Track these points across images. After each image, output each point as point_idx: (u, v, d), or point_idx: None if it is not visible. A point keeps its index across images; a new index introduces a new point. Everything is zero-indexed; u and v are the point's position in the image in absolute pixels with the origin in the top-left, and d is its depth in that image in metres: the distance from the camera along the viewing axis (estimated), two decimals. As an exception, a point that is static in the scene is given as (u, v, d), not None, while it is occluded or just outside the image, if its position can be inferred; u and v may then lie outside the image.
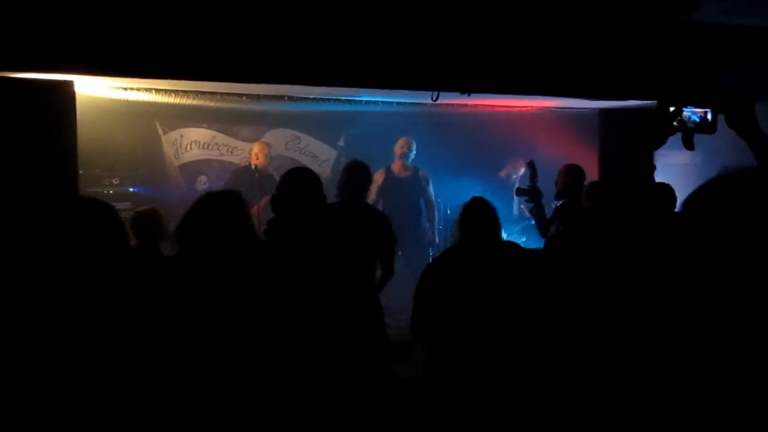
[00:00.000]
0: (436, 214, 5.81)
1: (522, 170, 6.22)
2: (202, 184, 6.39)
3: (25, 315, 1.82)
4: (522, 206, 5.97)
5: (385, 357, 2.29)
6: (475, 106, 5.82)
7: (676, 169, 4.87)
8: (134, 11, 3.71)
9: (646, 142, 1.60)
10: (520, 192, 4.70)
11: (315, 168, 5.57)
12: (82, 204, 2.10)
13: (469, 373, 2.65)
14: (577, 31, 4.40)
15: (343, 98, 5.61)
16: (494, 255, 2.88)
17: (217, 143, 6.52)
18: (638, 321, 1.45)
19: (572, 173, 4.11)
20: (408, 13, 4.09)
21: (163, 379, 1.91)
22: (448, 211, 6.41)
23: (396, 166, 5.64)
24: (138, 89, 4.89)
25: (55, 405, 1.77)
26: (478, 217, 2.93)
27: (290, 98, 5.52)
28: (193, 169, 6.46)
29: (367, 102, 5.71)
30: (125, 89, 4.84)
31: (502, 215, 3.06)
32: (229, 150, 6.43)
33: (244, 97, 5.41)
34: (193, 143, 6.47)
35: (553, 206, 4.15)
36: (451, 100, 5.25)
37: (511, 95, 4.96)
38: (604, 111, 5.64)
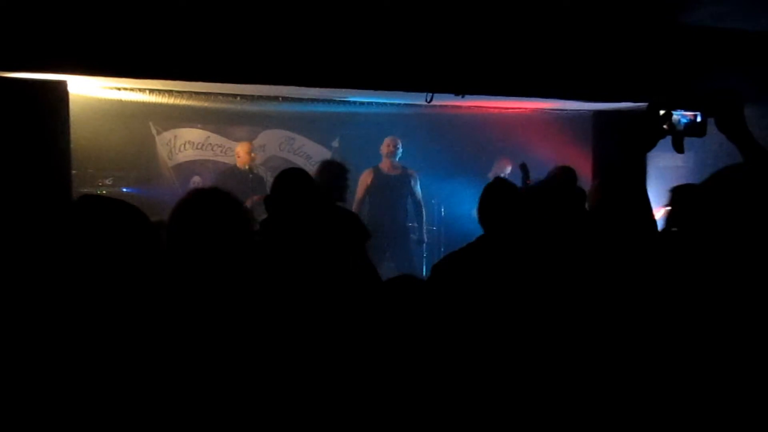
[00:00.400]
0: (424, 212, 5.81)
1: (509, 168, 6.25)
2: (196, 184, 6.38)
3: (13, 314, 1.81)
4: None
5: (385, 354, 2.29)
6: (469, 107, 5.84)
7: (666, 172, 4.90)
8: (128, 11, 3.70)
9: (636, 145, 1.61)
10: None
11: (309, 169, 5.56)
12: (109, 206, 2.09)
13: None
14: (570, 33, 4.42)
15: (338, 99, 5.61)
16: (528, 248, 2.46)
17: (211, 144, 6.52)
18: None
19: (564, 175, 4.12)
20: (402, 15, 4.10)
21: (164, 378, 1.90)
22: (443, 213, 6.44)
23: (385, 165, 5.65)
24: (132, 89, 4.87)
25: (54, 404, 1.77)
26: (502, 202, 2.52)
27: (284, 99, 5.52)
28: (187, 169, 6.45)
29: (362, 103, 5.71)
30: (119, 89, 4.83)
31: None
32: (223, 150, 6.42)
33: (239, 98, 5.41)
34: (187, 144, 6.46)
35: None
36: (446, 101, 5.26)
37: (505, 97, 4.97)
38: (597, 113, 5.66)
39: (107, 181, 5.66)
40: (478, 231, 2.70)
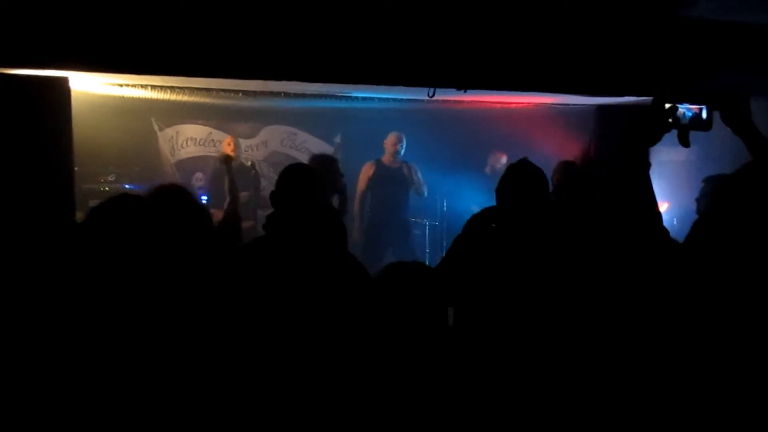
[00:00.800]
0: (426, 190, 5.81)
1: (503, 159, 6.24)
2: (199, 180, 6.39)
3: (11, 311, 1.82)
4: None
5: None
6: (472, 102, 5.83)
7: (670, 167, 4.88)
8: (130, 7, 3.69)
9: (641, 139, 1.60)
10: None
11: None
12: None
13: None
14: (573, 27, 4.40)
15: (340, 95, 5.60)
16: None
17: (213, 140, 6.52)
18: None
19: (568, 170, 4.12)
20: (404, 9, 4.09)
21: (168, 374, 1.90)
22: (445, 207, 6.43)
23: (386, 158, 5.66)
24: (134, 86, 4.87)
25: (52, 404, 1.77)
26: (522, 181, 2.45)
27: (287, 95, 5.51)
28: (189, 165, 6.46)
29: (364, 98, 5.70)
30: (121, 86, 4.83)
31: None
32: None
33: (241, 94, 5.41)
34: (189, 140, 6.46)
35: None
36: (448, 96, 5.25)
37: (507, 91, 4.96)
38: (600, 107, 5.64)
39: (110, 178, 5.67)
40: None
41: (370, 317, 2.27)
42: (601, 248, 1.70)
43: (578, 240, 2.23)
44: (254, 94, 5.44)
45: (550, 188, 4.14)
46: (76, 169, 4.28)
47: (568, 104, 5.80)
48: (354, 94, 5.62)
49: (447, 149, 6.24)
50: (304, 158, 6.47)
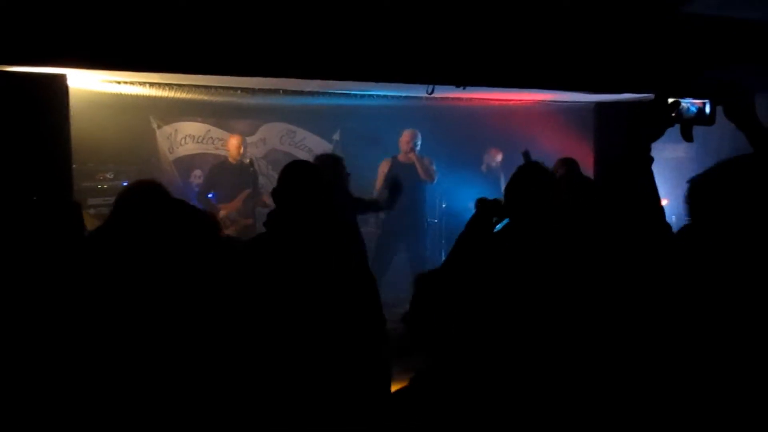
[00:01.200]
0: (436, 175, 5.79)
1: (499, 157, 6.23)
2: (197, 178, 6.38)
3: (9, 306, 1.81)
4: None
5: (386, 350, 2.29)
6: (471, 99, 5.82)
7: (669, 163, 4.87)
8: (128, 4, 3.68)
9: (644, 135, 1.60)
10: None
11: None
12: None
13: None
14: (573, 23, 4.39)
15: (339, 92, 5.59)
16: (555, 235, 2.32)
17: (212, 137, 6.50)
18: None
19: (567, 166, 4.11)
20: (403, 6, 4.08)
21: (167, 372, 1.90)
22: (443, 205, 6.42)
23: (402, 156, 5.64)
24: (132, 83, 4.85)
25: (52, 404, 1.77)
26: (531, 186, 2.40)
27: (285, 92, 5.50)
28: (187, 163, 6.44)
29: (363, 95, 5.69)
30: (119, 83, 4.81)
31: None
32: (224, 144, 6.42)
33: (239, 91, 5.40)
34: (187, 137, 6.44)
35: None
36: (447, 93, 5.24)
37: (506, 88, 4.95)
38: (600, 104, 5.64)
39: (108, 175, 5.64)
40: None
41: (371, 317, 2.27)
42: (606, 244, 1.69)
43: (584, 237, 2.22)
44: (253, 91, 5.43)
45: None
46: (74, 166, 4.27)
47: (568, 101, 5.80)
48: (353, 92, 5.61)
49: (445, 146, 6.23)
50: (303, 156, 6.47)
